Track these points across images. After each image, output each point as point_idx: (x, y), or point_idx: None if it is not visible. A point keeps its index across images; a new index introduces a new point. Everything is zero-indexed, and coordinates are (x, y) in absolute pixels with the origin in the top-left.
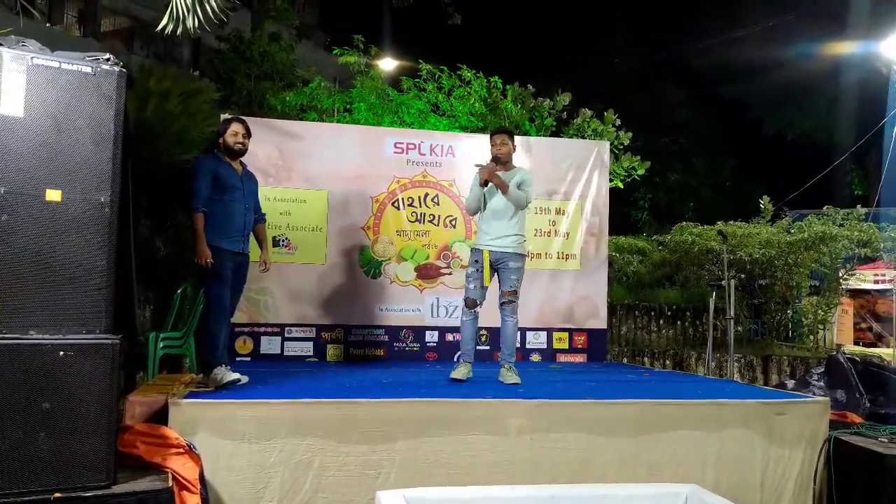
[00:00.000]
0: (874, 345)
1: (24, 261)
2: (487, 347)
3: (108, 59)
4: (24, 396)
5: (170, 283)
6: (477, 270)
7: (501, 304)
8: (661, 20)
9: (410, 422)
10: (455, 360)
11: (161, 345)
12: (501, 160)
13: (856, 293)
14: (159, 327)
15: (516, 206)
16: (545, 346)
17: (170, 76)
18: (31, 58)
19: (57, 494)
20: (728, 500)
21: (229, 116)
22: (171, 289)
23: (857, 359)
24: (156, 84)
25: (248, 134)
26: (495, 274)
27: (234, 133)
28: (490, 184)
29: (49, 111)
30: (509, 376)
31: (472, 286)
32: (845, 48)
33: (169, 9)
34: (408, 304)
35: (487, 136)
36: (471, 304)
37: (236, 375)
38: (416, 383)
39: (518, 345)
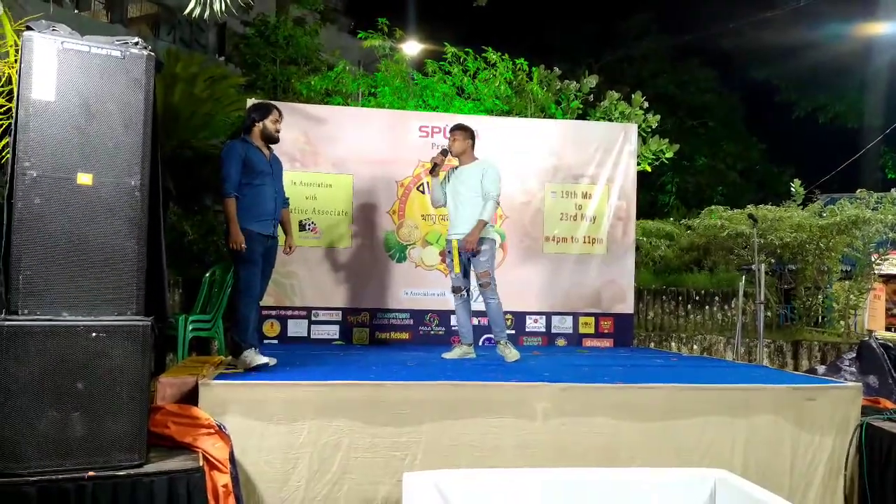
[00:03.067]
0: None
1: (56, 244)
2: (513, 331)
3: (136, 43)
4: (58, 377)
5: (198, 266)
6: (451, 261)
7: (479, 286)
8: (688, 2)
9: (437, 404)
10: (478, 343)
11: (190, 327)
12: (452, 154)
13: (889, 278)
14: (188, 310)
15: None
16: (571, 330)
17: (196, 61)
18: (62, 42)
19: (91, 473)
20: (757, 486)
21: (259, 101)
22: (199, 272)
23: (890, 344)
24: (182, 69)
25: (281, 121)
26: (468, 261)
27: (275, 120)
28: (439, 172)
29: (80, 95)
30: (508, 353)
31: (452, 275)
32: (878, 29)
33: None
34: (433, 288)
35: (514, 119)
36: (456, 291)
37: (265, 359)
38: (442, 366)
39: (544, 329)
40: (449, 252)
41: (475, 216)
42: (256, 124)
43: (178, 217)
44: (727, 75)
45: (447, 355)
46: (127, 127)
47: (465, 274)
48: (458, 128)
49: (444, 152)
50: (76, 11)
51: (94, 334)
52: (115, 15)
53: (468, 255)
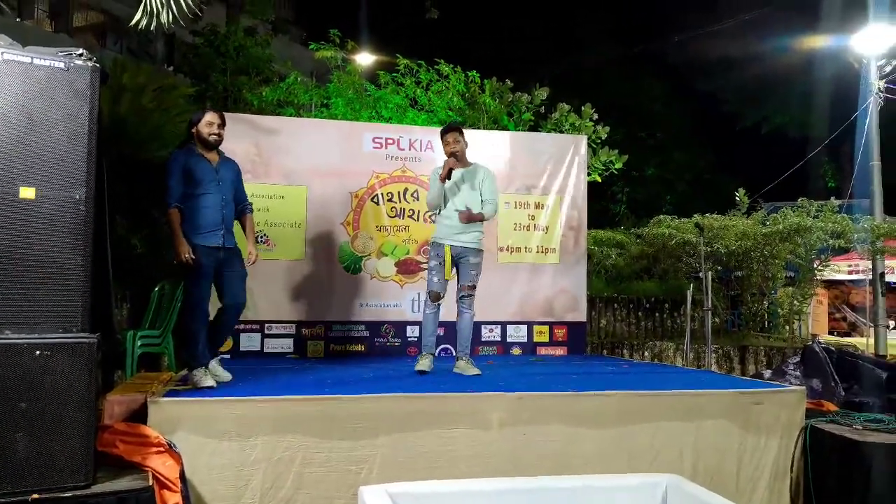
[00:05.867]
0: (848, 334)
1: None
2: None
3: (80, 54)
4: (1, 396)
5: (147, 280)
6: (439, 264)
7: (461, 297)
8: (638, 14)
9: (392, 417)
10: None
11: (139, 343)
12: (458, 157)
13: (830, 284)
14: (137, 326)
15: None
16: (525, 339)
17: (144, 72)
18: (2, 53)
19: (35, 496)
20: (706, 490)
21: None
22: (148, 287)
23: (833, 348)
24: (130, 79)
25: (223, 124)
26: (454, 268)
27: (208, 123)
28: (451, 179)
29: (21, 107)
30: (469, 368)
31: (435, 279)
32: (819, 42)
33: (143, 3)
34: (388, 300)
35: (467, 131)
36: (435, 298)
37: (212, 382)
38: (398, 378)
39: (499, 338)
40: (439, 255)
41: (477, 225)
42: (192, 129)
43: (126, 230)
44: (676, 87)
45: (421, 367)
46: (71, 139)
47: (446, 282)
48: (457, 128)
49: (454, 155)
50: (18, 20)
51: (37, 352)
52: (60, 24)
53: (457, 263)
